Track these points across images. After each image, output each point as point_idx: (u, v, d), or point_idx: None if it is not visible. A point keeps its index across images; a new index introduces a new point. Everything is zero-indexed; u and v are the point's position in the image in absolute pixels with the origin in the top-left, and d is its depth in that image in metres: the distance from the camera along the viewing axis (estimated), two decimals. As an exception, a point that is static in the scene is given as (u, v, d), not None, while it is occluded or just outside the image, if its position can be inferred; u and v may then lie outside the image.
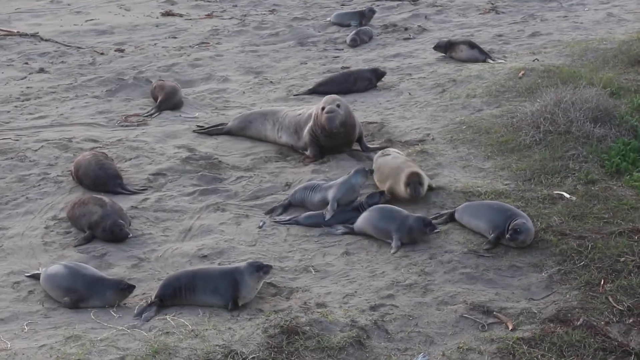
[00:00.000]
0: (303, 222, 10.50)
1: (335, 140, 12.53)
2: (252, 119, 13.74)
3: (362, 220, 10.07)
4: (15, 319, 8.42)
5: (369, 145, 12.79)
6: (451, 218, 10.17)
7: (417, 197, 10.61)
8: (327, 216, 10.39)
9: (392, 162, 11.24)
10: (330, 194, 10.61)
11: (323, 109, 12.29)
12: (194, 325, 8.05)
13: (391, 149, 11.93)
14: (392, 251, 9.53)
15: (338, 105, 12.29)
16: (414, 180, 10.60)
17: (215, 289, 8.53)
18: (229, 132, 13.89)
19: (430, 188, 10.87)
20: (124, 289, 8.64)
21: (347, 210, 10.48)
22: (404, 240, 9.62)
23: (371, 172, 11.08)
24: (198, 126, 14.25)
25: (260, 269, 8.57)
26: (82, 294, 8.62)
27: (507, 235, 9.34)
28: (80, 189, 11.57)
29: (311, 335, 7.84)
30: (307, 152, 12.67)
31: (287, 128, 13.16)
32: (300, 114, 13.15)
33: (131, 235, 10.16)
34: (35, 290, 9.01)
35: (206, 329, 7.95)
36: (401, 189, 10.71)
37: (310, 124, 12.66)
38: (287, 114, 13.36)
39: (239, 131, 13.82)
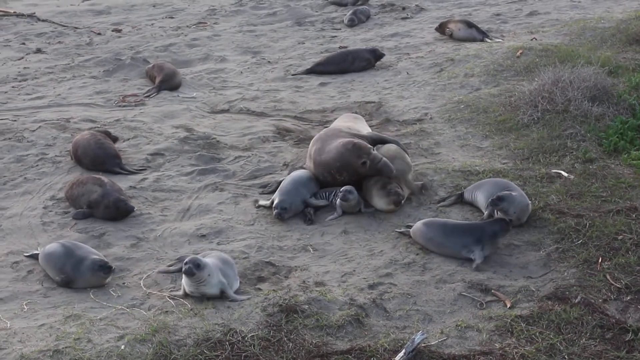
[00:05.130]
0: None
1: None
2: None
3: (419, 235, 9.23)
4: (15, 299, 8.43)
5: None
6: (459, 199, 10.19)
7: (399, 204, 10.07)
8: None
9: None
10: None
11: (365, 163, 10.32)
12: (193, 304, 8.06)
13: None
14: (474, 265, 8.75)
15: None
16: (391, 188, 10.11)
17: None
18: None
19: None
20: (98, 269, 8.60)
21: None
22: (487, 251, 8.88)
23: None
24: None
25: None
26: (69, 275, 8.65)
27: (489, 200, 9.39)
28: (79, 169, 11.58)
29: (310, 313, 7.86)
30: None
31: None
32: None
33: (135, 209, 10.20)
34: (34, 270, 9.02)
35: (205, 308, 7.96)
36: (381, 203, 10.16)
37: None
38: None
39: None
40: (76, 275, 8.62)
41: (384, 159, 10.36)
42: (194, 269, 7.96)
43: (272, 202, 10.25)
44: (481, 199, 9.88)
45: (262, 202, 10.44)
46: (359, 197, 10.14)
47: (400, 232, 9.57)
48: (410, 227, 9.50)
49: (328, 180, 10.60)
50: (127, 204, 10.16)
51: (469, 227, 9.17)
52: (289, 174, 10.91)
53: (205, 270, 8.03)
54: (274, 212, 10.08)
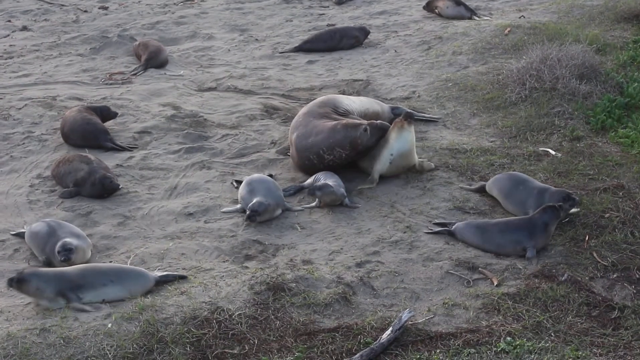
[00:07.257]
0: None
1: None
2: None
3: (471, 233, 8.84)
4: (1, 277, 8.40)
5: None
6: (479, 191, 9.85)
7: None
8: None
9: None
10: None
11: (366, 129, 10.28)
12: (180, 282, 8.05)
13: None
14: (528, 257, 8.47)
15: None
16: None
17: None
18: None
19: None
20: (59, 252, 8.44)
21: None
22: (539, 246, 8.52)
23: None
24: None
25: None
26: (49, 256, 8.60)
27: (567, 205, 8.91)
28: (65, 147, 11.52)
29: (297, 291, 7.86)
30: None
31: None
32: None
33: (121, 186, 10.17)
34: (20, 248, 9.00)
35: (192, 286, 7.95)
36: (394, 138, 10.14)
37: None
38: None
39: None
40: (54, 258, 8.55)
41: (379, 121, 10.47)
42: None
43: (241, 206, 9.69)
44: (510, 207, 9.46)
45: (225, 209, 9.76)
46: (341, 191, 9.77)
47: (436, 232, 9.05)
48: (442, 225, 9.12)
49: (314, 163, 10.39)
50: (112, 182, 10.11)
51: (520, 222, 8.77)
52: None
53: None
54: (247, 213, 9.39)
